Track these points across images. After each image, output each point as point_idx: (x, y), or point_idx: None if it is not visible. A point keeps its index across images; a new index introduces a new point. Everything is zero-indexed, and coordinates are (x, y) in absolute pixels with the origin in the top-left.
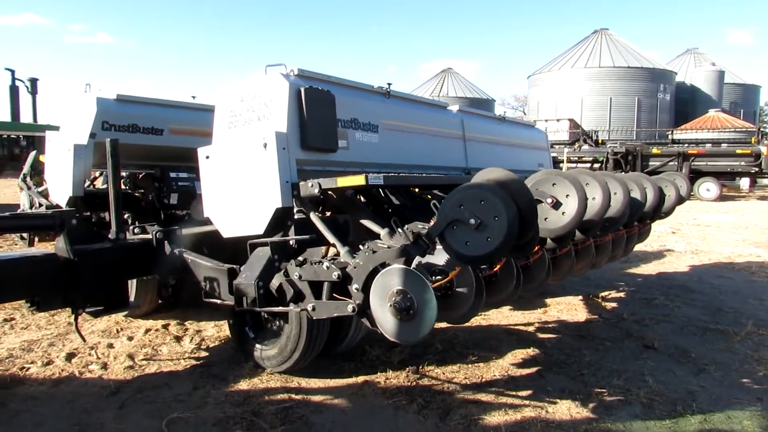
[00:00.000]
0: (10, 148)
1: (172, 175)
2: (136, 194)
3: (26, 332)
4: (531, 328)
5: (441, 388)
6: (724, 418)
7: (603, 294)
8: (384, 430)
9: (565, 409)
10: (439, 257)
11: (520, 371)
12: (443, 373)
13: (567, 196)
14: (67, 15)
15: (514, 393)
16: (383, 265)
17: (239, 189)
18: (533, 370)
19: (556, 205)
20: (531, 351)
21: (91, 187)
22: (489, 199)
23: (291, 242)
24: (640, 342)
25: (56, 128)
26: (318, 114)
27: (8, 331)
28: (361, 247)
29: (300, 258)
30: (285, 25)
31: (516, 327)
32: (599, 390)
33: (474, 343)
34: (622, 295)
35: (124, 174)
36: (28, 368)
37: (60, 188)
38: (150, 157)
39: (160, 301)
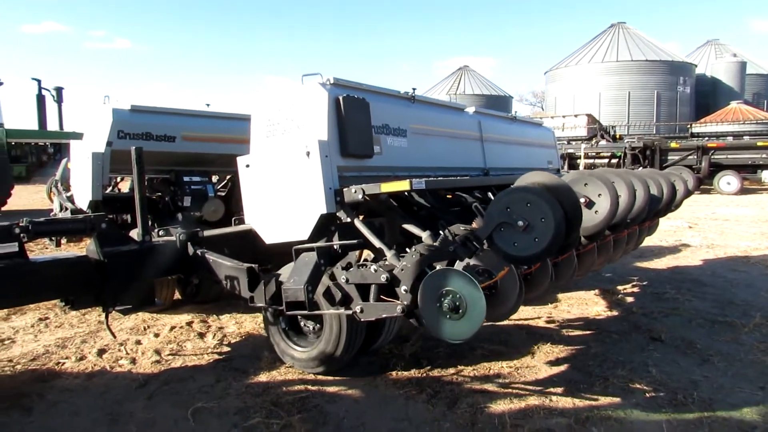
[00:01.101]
0: (38, 155)
1: (186, 179)
2: (154, 197)
3: (60, 330)
4: (540, 323)
5: (450, 379)
6: (725, 407)
7: (614, 288)
8: (395, 418)
9: (569, 398)
10: (480, 258)
11: (526, 363)
12: (452, 366)
13: (599, 195)
14: (86, 21)
15: (520, 383)
16: (430, 267)
17: (282, 196)
18: (540, 362)
19: (589, 204)
20: (539, 344)
21: (116, 191)
22: (535, 201)
23: (335, 247)
24: (647, 334)
25: (80, 136)
26: (356, 121)
27: (43, 329)
28: (408, 250)
29: (345, 262)
30: (297, 25)
31: (526, 321)
32: (603, 380)
33: (484, 337)
34: (633, 289)
35: None
36: (63, 363)
37: (82, 193)
38: (164, 163)
39: (175, 297)
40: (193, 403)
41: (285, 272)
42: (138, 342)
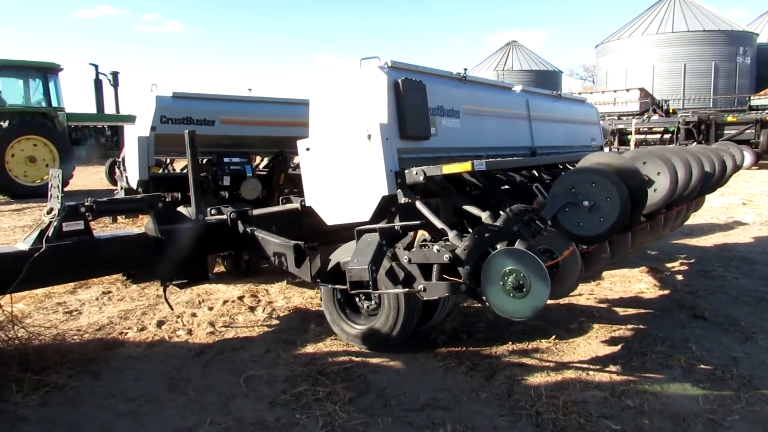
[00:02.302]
0: (97, 138)
1: (226, 160)
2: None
3: (122, 303)
4: (582, 300)
5: (488, 352)
6: (765, 383)
7: (660, 266)
8: (434, 388)
9: (605, 373)
10: (541, 237)
11: (565, 338)
12: (491, 340)
13: (658, 173)
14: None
15: (557, 358)
16: (493, 247)
17: (343, 179)
18: (579, 337)
19: (648, 183)
20: (579, 320)
21: (168, 170)
22: (601, 181)
23: (396, 227)
24: (690, 312)
25: (134, 119)
26: (414, 104)
27: (107, 302)
28: (470, 230)
29: (406, 242)
30: (347, 2)
31: (568, 299)
32: (641, 355)
33: None
34: (679, 267)
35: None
36: (126, 333)
37: (132, 173)
38: (204, 145)
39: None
40: (245, 371)
41: (340, 252)
42: (194, 315)
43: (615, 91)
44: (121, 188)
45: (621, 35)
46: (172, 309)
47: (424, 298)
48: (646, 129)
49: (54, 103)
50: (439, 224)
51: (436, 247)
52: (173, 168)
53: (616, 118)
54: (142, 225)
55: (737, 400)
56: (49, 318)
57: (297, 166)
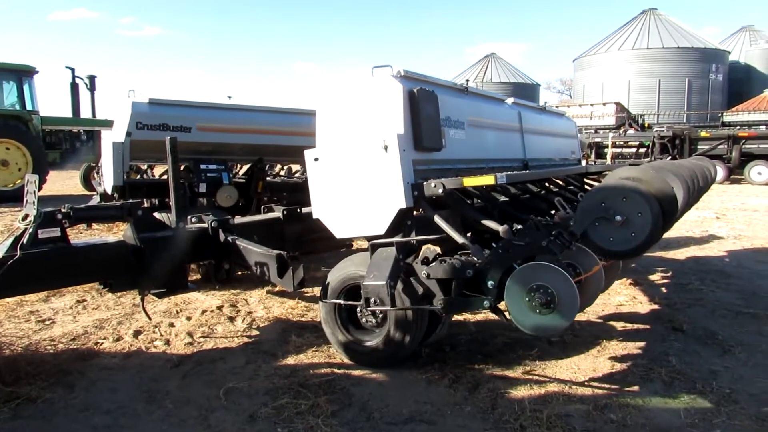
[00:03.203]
0: (72, 142)
1: (202, 167)
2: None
3: (97, 312)
4: None
5: (471, 365)
6: (744, 396)
7: (637, 279)
8: (417, 401)
9: (588, 386)
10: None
11: (547, 351)
12: (474, 352)
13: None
14: (116, 8)
15: (540, 371)
16: (518, 261)
17: (356, 191)
18: (560, 350)
19: None
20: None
21: (146, 176)
22: (632, 196)
23: (412, 241)
24: (669, 325)
25: (111, 124)
26: (428, 114)
27: (81, 311)
28: (494, 244)
29: (422, 256)
30: (327, 10)
31: None
32: (622, 369)
33: (506, 326)
34: (657, 280)
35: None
36: (102, 343)
37: (107, 179)
38: (181, 152)
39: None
40: (225, 383)
41: (347, 265)
42: (171, 324)
43: (592, 104)
44: (98, 194)
45: (598, 50)
46: (150, 319)
47: (444, 315)
48: (622, 143)
49: (28, 107)
50: (460, 238)
51: (457, 262)
52: (153, 174)
53: (593, 131)
54: (119, 232)
55: (718, 413)
56: (21, 327)
57: (276, 174)
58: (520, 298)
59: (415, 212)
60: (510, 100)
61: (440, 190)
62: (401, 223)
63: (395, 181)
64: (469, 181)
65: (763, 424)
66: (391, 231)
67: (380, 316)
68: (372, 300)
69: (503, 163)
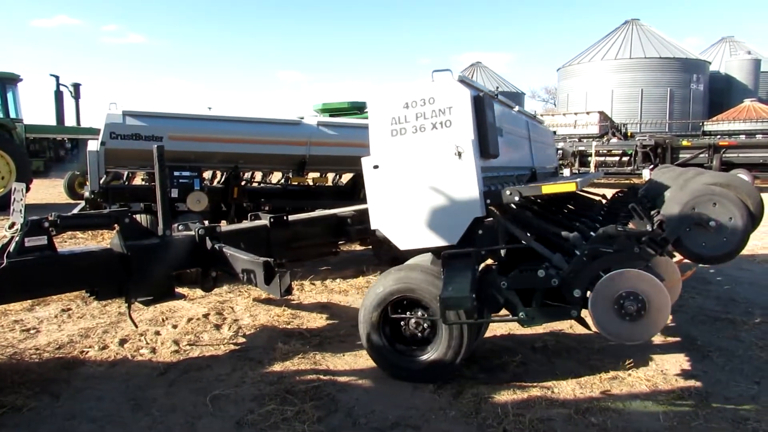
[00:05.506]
0: (56, 150)
1: (176, 174)
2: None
3: (82, 321)
4: None
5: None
6: (721, 400)
7: None
8: (403, 406)
9: (570, 390)
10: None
11: (530, 357)
12: None
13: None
14: (98, 16)
15: (523, 376)
16: (604, 270)
17: (423, 200)
18: (543, 356)
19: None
20: (544, 339)
21: (126, 183)
22: (722, 201)
23: (482, 251)
24: None
25: (96, 132)
26: (491, 121)
27: (66, 320)
28: (577, 252)
29: (499, 266)
30: (310, 20)
31: None
32: (604, 374)
33: (490, 332)
34: None
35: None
36: (87, 352)
37: (87, 186)
38: (152, 160)
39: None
40: (212, 390)
41: (385, 280)
42: (157, 333)
43: (576, 113)
44: (85, 198)
45: (582, 59)
46: (136, 327)
47: (526, 326)
48: (605, 151)
49: (12, 115)
50: (540, 248)
51: (541, 272)
52: (132, 182)
53: (576, 140)
54: (103, 240)
55: (695, 416)
56: (6, 336)
57: (250, 180)
58: (608, 306)
59: (503, 222)
60: (516, 108)
61: (516, 198)
62: (472, 232)
63: (470, 189)
64: (548, 189)
65: (739, 427)
66: (462, 241)
67: (428, 328)
68: (451, 314)
69: (520, 171)
